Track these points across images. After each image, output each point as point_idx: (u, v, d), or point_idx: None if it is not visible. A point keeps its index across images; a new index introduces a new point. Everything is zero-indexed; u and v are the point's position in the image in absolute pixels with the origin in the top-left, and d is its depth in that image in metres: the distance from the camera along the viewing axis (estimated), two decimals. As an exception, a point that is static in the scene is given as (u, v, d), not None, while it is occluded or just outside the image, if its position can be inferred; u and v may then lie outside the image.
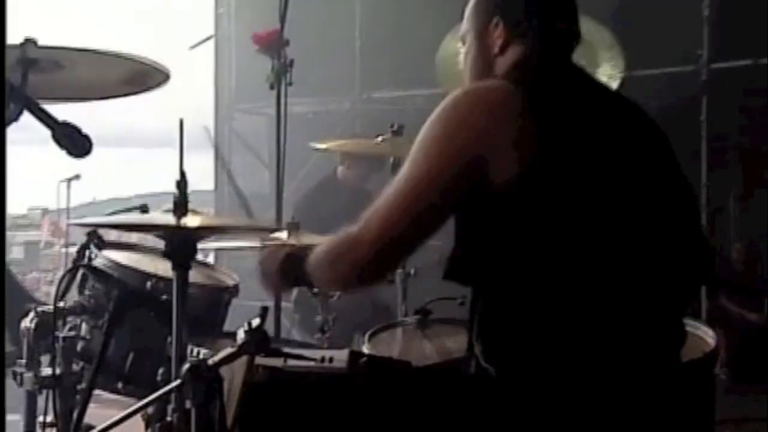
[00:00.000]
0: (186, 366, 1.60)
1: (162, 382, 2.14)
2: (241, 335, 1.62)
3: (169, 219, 1.87)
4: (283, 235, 2.81)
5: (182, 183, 1.87)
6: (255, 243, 2.67)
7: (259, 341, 1.62)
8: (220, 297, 2.45)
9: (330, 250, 1.65)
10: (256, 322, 1.63)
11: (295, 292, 3.63)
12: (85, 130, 1.57)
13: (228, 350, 1.62)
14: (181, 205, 1.86)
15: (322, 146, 3.13)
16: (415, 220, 1.53)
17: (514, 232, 1.53)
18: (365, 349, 2.37)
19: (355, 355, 1.66)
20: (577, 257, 1.51)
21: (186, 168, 1.89)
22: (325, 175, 4.59)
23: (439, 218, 1.56)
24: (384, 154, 2.98)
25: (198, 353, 2.05)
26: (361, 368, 1.64)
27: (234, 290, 2.50)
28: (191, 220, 1.88)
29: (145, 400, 1.72)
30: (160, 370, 2.19)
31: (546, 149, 1.50)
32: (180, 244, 1.88)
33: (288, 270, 1.80)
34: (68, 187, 5.55)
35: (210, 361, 1.61)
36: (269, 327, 1.70)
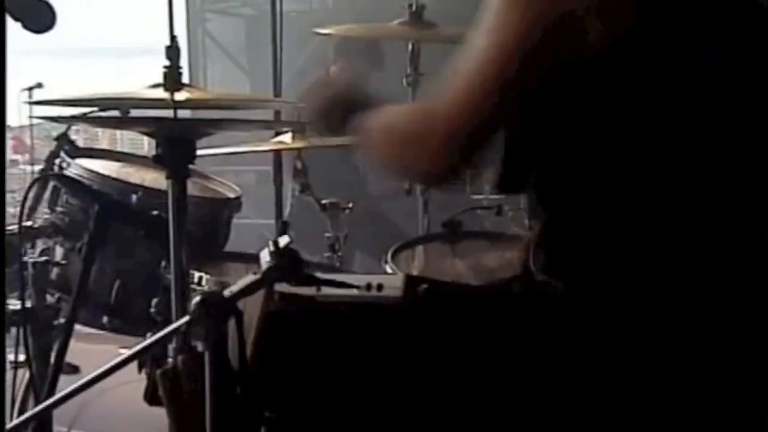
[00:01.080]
0: (196, 299, 1.29)
1: (158, 315, 1.90)
2: (265, 257, 1.33)
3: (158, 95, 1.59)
4: (286, 137, 2.49)
5: (173, 50, 1.54)
6: (260, 146, 2.41)
7: (289, 265, 1.33)
8: (220, 212, 2.20)
9: (400, 124, 1.34)
10: (284, 240, 1.33)
11: (288, 206, 3.34)
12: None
13: (250, 277, 1.33)
14: (172, 77, 1.56)
15: (326, 32, 2.68)
16: (504, 94, 1.26)
17: (596, 116, 1.30)
18: (388, 270, 2.12)
19: (412, 281, 1.36)
20: (665, 152, 1.29)
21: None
22: (314, 79, 4.17)
23: (527, 95, 1.28)
24: (403, 38, 2.63)
25: (200, 279, 1.85)
26: (421, 296, 1.35)
27: (236, 204, 2.24)
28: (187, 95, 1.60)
29: (145, 343, 1.40)
30: (154, 301, 1.93)
31: (644, 14, 1.25)
32: (174, 137, 1.59)
33: (337, 120, 1.49)
34: (30, 96, 5.09)
35: (226, 292, 1.31)
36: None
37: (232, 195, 2.29)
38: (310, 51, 4.80)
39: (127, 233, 1.97)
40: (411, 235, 2.76)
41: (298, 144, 2.48)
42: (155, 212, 1.90)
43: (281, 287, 1.38)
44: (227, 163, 4.77)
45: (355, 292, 1.41)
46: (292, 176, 2.55)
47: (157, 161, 1.62)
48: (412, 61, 2.62)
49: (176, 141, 1.60)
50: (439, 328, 1.34)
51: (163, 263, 1.91)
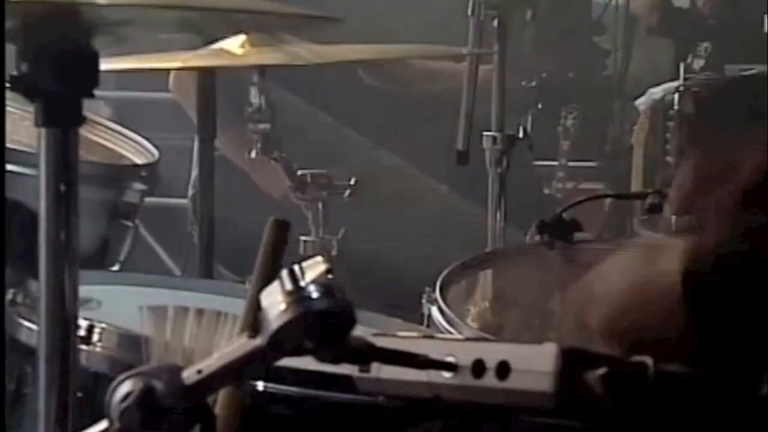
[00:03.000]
0: (128, 387, 1.30)
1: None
2: (275, 303, 1.31)
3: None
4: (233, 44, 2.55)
5: None
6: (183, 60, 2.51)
7: (333, 322, 1.31)
8: (121, 192, 2.23)
9: None
10: (315, 266, 1.34)
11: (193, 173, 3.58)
12: None
13: (242, 343, 1.31)
14: None
15: None
16: None
17: None
18: (436, 316, 2.25)
19: (573, 357, 1.39)
20: None
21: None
22: None
23: None
24: None
25: (89, 329, 1.97)
26: (592, 392, 1.38)
27: (148, 176, 2.33)
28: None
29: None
30: None
31: None
32: (59, 39, 1.63)
33: None
34: None
35: (191, 375, 1.31)
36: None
37: (139, 159, 2.31)
38: None
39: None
40: (462, 246, 2.90)
41: (258, 57, 2.52)
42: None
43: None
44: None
45: (447, 376, 1.41)
46: (249, 118, 2.59)
47: (19, 88, 1.60)
48: None
49: (63, 47, 1.60)
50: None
51: (10, 294, 1.98)
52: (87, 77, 1.63)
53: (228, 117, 2.93)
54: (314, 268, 1.32)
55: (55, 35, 1.62)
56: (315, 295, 1.29)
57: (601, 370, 1.38)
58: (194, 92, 2.94)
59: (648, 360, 1.46)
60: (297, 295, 1.29)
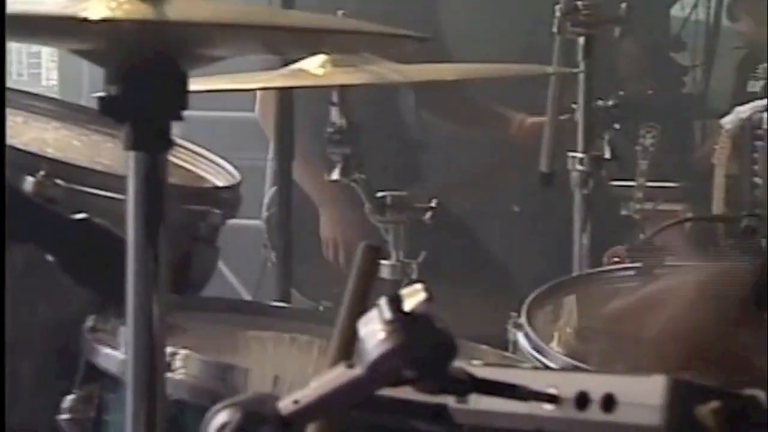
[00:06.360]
0: (220, 420, 1.30)
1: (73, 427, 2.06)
2: (373, 334, 1.32)
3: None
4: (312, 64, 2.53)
5: None
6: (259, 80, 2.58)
7: (428, 355, 1.33)
8: (203, 216, 2.28)
9: None
10: (414, 294, 1.32)
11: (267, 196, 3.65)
12: None
13: (340, 373, 1.32)
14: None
15: None
16: None
17: None
18: (522, 342, 2.27)
19: (684, 390, 1.34)
20: None
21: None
22: None
23: None
24: None
25: (172, 357, 2.01)
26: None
27: (230, 198, 2.36)
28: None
29: None
30: (69, 399, 2.09)
31: None
32: (154, 62, 1.61)
33: None
34: None
35: (284, 405, 1.31)
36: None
37: (220, 182, 2.35)
38: None
39: (14, 257, 2.03)
40: (543, 270, 2.91)
41: (339, 77, 2.53)
42: (80, 215, 1.95)
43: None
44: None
45: (549, 408, 1.38)
46: (329, 139, 2.61)
47: (109, 111, 1.58)
48: None
49: (155, 70, 1.59)
50: None
51: (91, 320, 2.00)
52: (176, 100, 1.61)
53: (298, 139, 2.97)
54: (414, 296, 1.31)
55: (143, 56, 1.60)
56: (416, 324, 1.29)
57: (713, 404, 1.33)
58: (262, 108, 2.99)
59: (761, 393, 1.41)
60: (397, 324, 1.29)
